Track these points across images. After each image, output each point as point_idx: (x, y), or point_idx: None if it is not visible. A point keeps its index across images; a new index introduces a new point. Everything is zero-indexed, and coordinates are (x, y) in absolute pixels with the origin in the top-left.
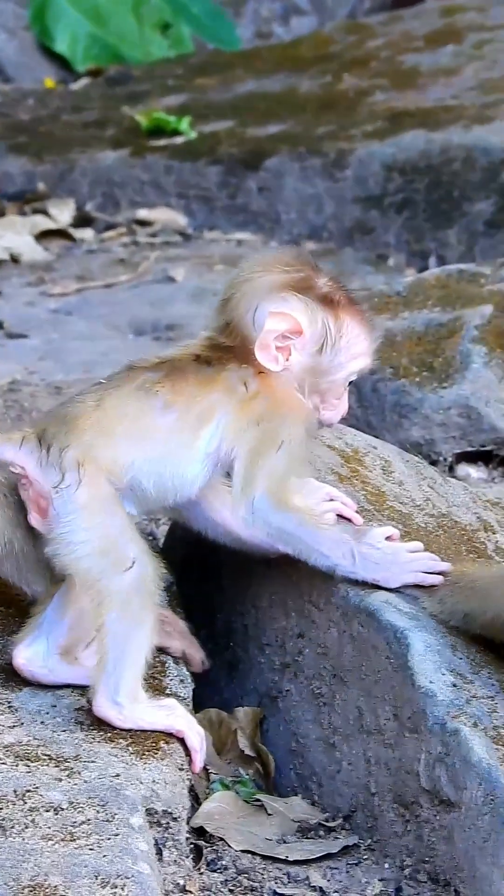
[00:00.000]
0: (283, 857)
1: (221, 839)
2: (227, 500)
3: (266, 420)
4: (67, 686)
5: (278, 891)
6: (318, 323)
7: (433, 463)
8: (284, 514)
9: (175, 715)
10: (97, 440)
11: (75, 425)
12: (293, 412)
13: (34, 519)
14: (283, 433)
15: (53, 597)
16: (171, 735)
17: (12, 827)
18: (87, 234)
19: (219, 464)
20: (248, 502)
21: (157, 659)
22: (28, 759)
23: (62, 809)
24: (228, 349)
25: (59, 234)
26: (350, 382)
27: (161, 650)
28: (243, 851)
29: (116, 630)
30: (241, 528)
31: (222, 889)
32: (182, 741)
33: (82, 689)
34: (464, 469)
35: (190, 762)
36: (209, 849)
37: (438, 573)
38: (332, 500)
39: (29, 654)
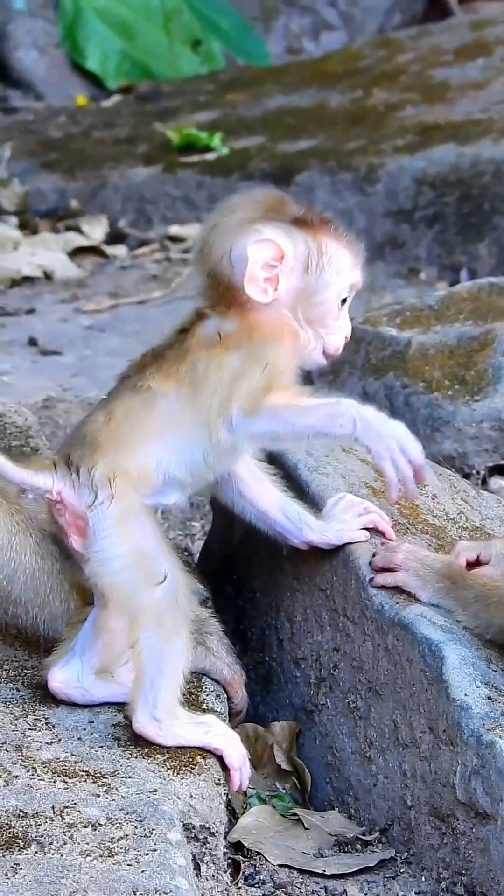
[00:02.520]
0: (321, 871)
1: (259, 853)
2: (257, 473)
3: (244, 345)
4: (104, 703)
5: None
6: (298, 244)
7: (466, 476)
8: (260, 419)
9: (213, 733)
10: (119, 452)
11: (96, 443)
12: (275, 336)
13: (75, 542)
14: (266, 356)
15: (85, 619)
16: (208, 750)
17: (51, 843)
18: (119, 250)
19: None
20: (227, 424)
21: (193, 674)
22: (66, 776)
23: (100, 825)
24: (211, 307)
25: (92, 250)
26: (344, 302)
27: (205, 674)
28: (281, 866)
29: (151, 645)
30: (227, 447)
31: None
32: (220, 758)
33: (119, 706)
34: (496, 482)
35: (228, 779)
36: (247, 863)
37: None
38: (368, 512)
39: (63, 677)
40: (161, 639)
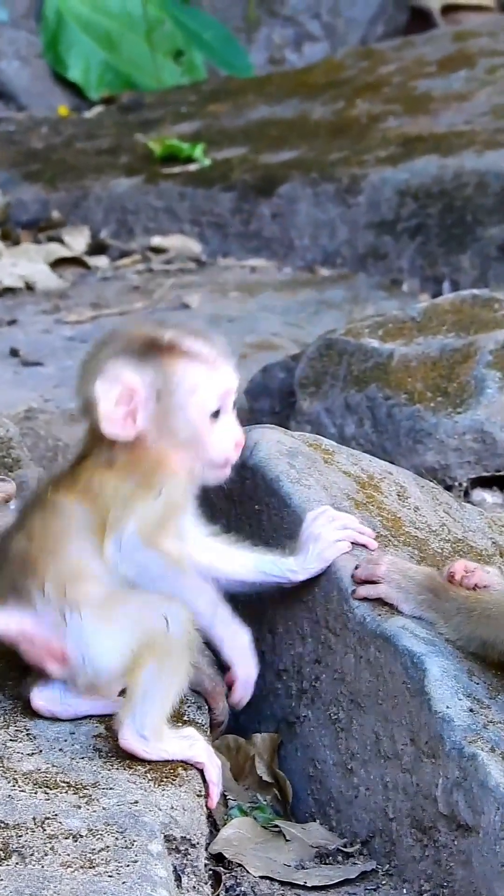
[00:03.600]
0: (302, 883)
1: (240, 865)
2: (222, 551)
3: (138, 474)
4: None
5: None
6: (146, 373)
7: (448, 488)
8: (152, 553)
9: (196, 746)
10: (57, 563)
11: (31, 562)
12: (161, 466)
13: (56, 670)
14: (159, 483)
15: None
16: (190, 763)
17: (31, 854)
18: (101, 261)
19: None
20: (117, 539)
21: None
22: (47, 787)
23: (81, 836)
24: (93, 444)
25: (74, 261)
26: (217, 414)
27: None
28: (262, 877)
29: (151, 673)
30: (111, 567)
31: None
32: (201, 770)
33: (100, 717)
34: (479, 494)
35: (207, 793)
36: (228, 875)
37: None
38: (346, 527)
39: (46, 696)
40: (163, 670)
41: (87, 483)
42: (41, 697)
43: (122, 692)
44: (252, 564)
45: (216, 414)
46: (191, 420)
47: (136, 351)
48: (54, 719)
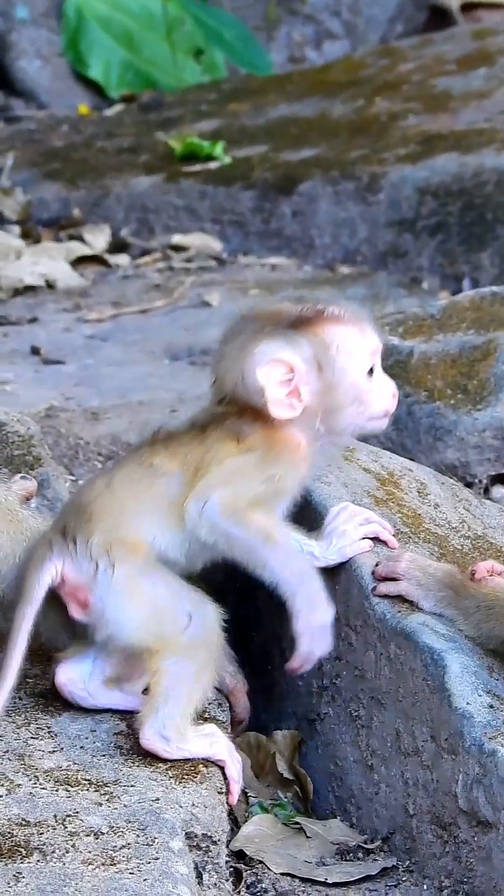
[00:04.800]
0: (323, 880)
1: (261, 862)
2: None
3: (258, 453)
4: (107, 710)
5: None
6: (303, 348)
7: (468, 485)
8: (236, 522)
9: (218, 743)
10: (116, 522)
11: (92, 512)
12: (290, 456)
13: (76, 612)
14: (274, 468)
15: None
16: (211, 761)
17: (53, 852)
18: (122, 259)
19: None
20: (200, 501)
21: None
22: (68, 784)
23: (102, 834)
24: (229, 413)
25: (95, 259)
26: (371, 371)
27: None
28: (283, 874)
29: (175, 674)
30: (187, 521)
31: None
32: (222, 768)
33: (121, 714)
34: (499, 491)
35: (228, 790)
36: (249, 872)
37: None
38: (369, 522)
39: (71, 675)
40: (186, 672)
41: (201, 455)
42: (65, 673)
43: (146, 690)
44: None
45: (371, 371)
46: (352, 382)
47: (286, 328)
48: (76, 711)
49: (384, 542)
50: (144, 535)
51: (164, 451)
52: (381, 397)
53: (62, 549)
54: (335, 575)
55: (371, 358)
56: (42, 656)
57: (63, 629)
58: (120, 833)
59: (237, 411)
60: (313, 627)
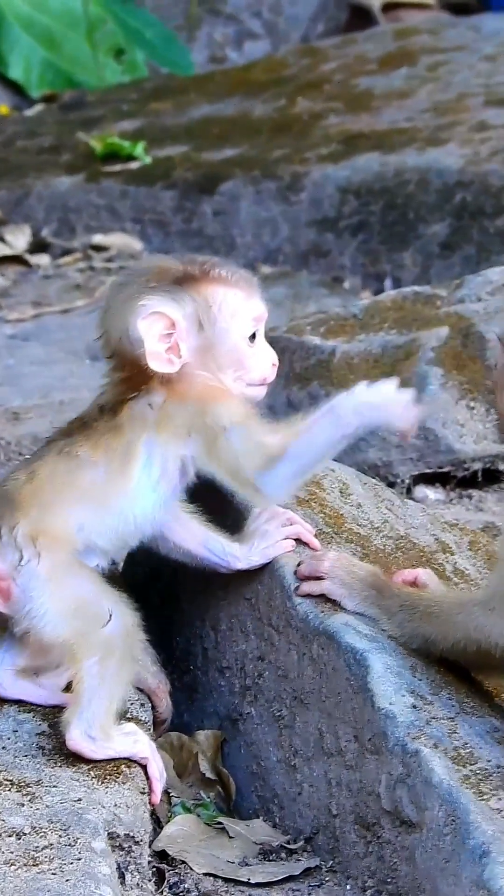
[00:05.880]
0: (246, 880)
1: (183, 862)
2: (179, 515)
3: (196, 422)
4: (27, 709)
5: None
6: (185, 304)
7: (391, 485)
8: (280, 460)
9: (140, 742)
10: (41, 512)
11: (17, 502)
12: (214, 397)
13: None
14: (221, 419)
15: None
16: (133, 760)
17: None
18: (43, 259)
19: (176, 483)
20: (256, 491)
21: None
22: None
23: (24, 834)
24: (127, 382)
25: (15, 260)
26: (254, 337)
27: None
28: (206, 874)
29: (96, 674)
30: (265, 504)
31: None
32: (144, 767)
33: (43, 714)
34: (421, 491)
35: (150, 789)
36: (171, 872)
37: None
38: (291, 523)
39: None
40: (107, 670)
41: (127, 444)
42: None
43: (68, 687)
44: (201, 538)
45: (252, 337)
46: (232, 345)
47: (170, 284)
48: None
49: (306, 543)
50: (71, 526)
51: (84, 440)
52: (261, 364)
53: None
54: (258, 575)
55: (254, 323)
56: None
57: None
58: (42, 833)
59: (130, 379)
60: (398, 410)
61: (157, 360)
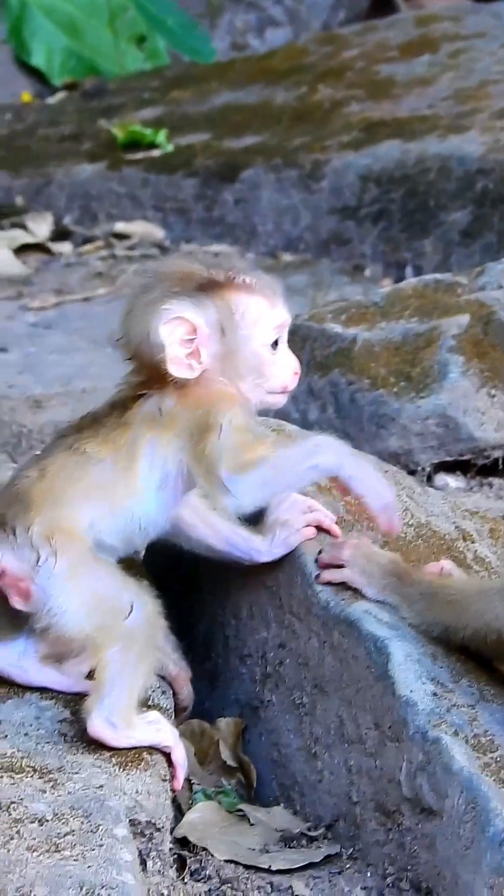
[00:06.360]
0: (266, 867)
1: (205, 849)
2: (201, 511)
3: (195, 423)
4: (50, 696)
5: None
6: (208, 310)
7: (411, 473)
8: (254, 471)
9: (163, 730)
10: (54, 510)
11: (29, 501)
12: (219, 401)
13: (18, 603)
14: (220, 418)
15: None
16: (156, 748)
17: None
18: (65, 247)
19: (178, 488)
20: (220, 491)
21: None
22: (12, 771)
23: (47, 821)
24: (146, 384)
25: (37, 248)
26: (276, 344)
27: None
28: (226, 861)
29: (118, 663)
30: (230, 516)
31: None
32: (167, 755)
33: (65, 701)
34: (442, 479)
35: (172, 776)
36: (193, 859)
37: None
38: (312, 511)
39: (3, 653)
40: (129, 659)
41: (132, 441)
42: None
43: (91, 675)
44: (224, 533)
45: (275, 344)
46: (254, 352)
47: (194, 289)
48: (19, 697)
49: (327, 531)
50: (82, 523)
51: (94, 437)
52: (282, 372)
53: (2, 539)
54: (279, 563)
55: (276, 331)
56: None
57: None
58: (64, 820)
59: (147, 380)
60: (367, 483)
61: (178, 365)
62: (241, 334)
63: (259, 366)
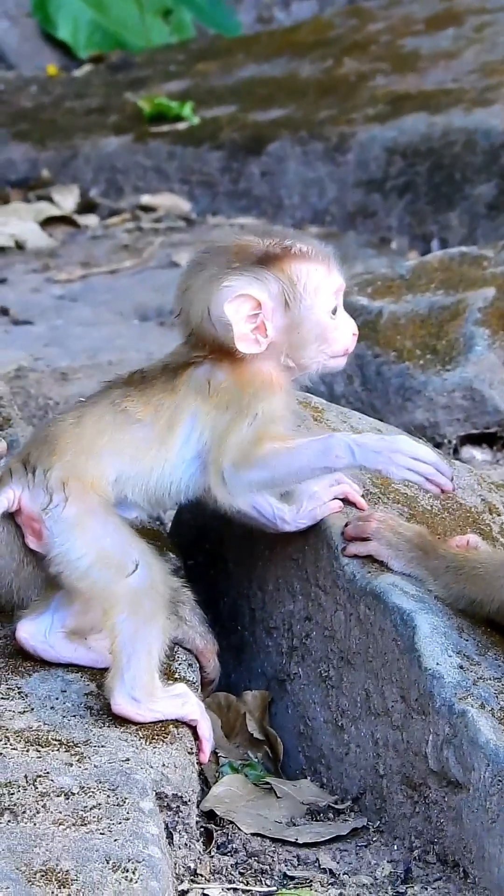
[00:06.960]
0: (293, 840)
1: (231, 822)
2: None
3: (234, 403)
4: (75, 669)
5: (288, 873)
6: (270, 284)
7: (438, 445)
8: (255, 466)
9: (189, 703)
10: (79, 458)
11: (56, 445)
12: (265, 388)
13: (31, 542)
14: (255, 407)
15: None
16: (183, 721)
17: (24, 812)
18: (91, 220)
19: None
20: (220, 481)
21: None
22: (39, 745)
23: (73, 794)
24: (201, 352)
25: (64, 220)
26: (335, 310)
27: (178, 643)
28: (253, 834)
29: (128, 629)
30: (228, 508)
31: (233, 872)
32: (194, 728)
33: (91, 674)
34: (468, 451)
35: (199, 749)
36: (219, 832)
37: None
38: (339, 483)
39: (31, 629)
40: (138, 623)
41: (175, 407)
42: (26, 629)
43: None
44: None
45: (334, 310)
46: (317, 319)
47: (252, 264)
48: (45, 671)
49: (353, 504)
50: (106, 476)
51: (138, 396)
52: (343, 335)
53: (21, 477)
54: (305, 536)
55: (336, 296)
56: (12, 616)
57: (35, 584)
58: (91, 793)
59: (206, 355)
60: (398, 458)
61: (246, 342)
62: (304, 304)
63: (323, 332)
